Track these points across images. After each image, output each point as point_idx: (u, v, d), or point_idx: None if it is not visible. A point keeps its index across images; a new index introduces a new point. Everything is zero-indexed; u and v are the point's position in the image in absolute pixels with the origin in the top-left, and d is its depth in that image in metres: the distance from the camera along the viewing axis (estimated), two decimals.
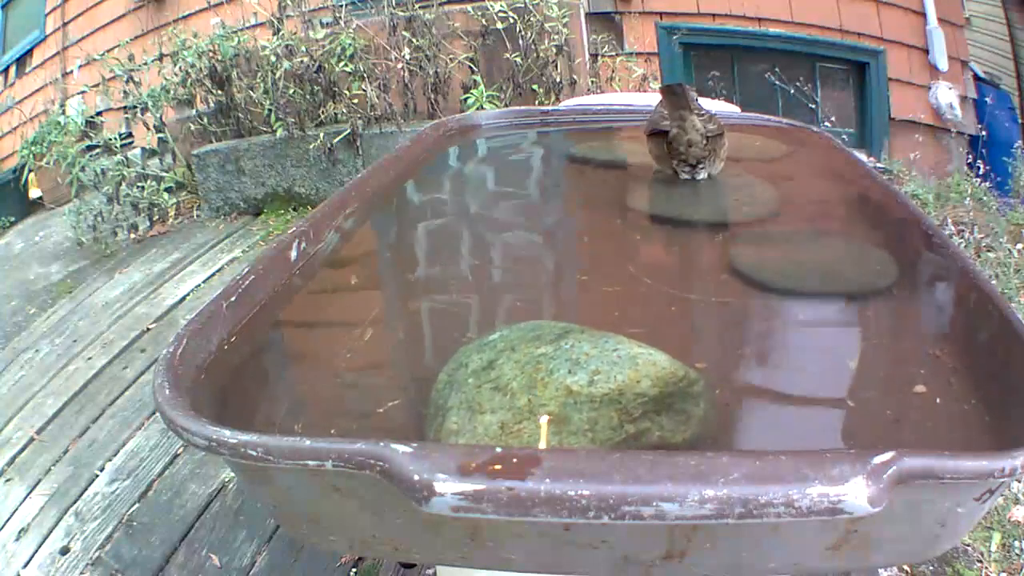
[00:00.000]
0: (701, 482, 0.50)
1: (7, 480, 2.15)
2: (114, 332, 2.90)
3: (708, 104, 1.44)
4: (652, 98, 1.79)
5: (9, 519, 1.98)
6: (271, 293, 0.93)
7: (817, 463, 0.51)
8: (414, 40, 3.67)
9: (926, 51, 4.01)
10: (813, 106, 4.17)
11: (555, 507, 0.51)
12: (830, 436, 0.75)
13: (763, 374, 0.86)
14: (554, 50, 3.61)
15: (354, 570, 1.66)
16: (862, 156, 1.58)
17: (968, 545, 1.62)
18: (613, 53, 4.10)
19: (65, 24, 5.22)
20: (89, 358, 2.73)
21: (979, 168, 3.72)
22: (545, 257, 1.22)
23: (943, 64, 3.97)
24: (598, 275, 1.12)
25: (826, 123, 4.05)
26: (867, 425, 0.74)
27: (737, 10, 4.12)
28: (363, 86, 3.64)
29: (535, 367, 0.74)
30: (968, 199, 3.45)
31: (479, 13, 3.67)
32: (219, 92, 3.91)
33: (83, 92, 4.40)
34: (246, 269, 0.91)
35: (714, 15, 4.16)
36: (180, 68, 3.94)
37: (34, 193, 5.08)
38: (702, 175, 1.33)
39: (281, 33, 3.81)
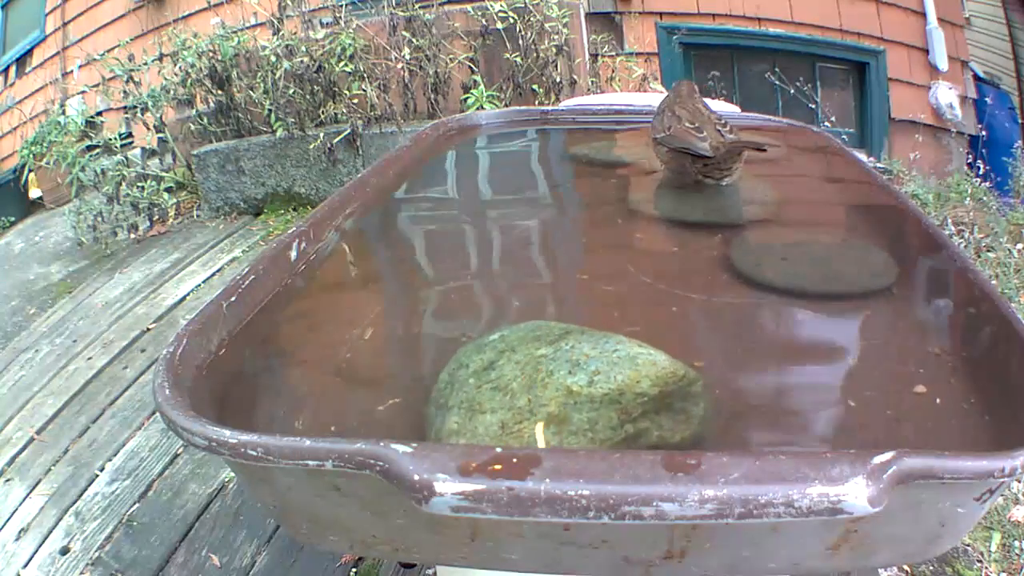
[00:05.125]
0: (701, 482, 0.50)
1: (7, 480, 2.15)
2: (114, 332, 2.90)
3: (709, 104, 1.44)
4: (652, 98, 1.79)
5: (9, 519, 1.98)
6: (271, 293, 0.93)
7: (817, 463, 0.51)
8: (414, 40, 3.67)
9: (926, 51, 4.01)
10: (813, 106, 4.17)
11: (555, 507, 0.51)
12: (830, 436, 0.75)
13: (763, 374, 0.86)
14: (554, 50, 3.61)
15: (354, 570, 1.66)
16: (862, 156, 1.58)
17: (968, 545, 1.62)
18: (613, 53, 4.10)
19: (65, 24, 5.22)
20: (89, 358, 2.73)
21: (979, 168, 3.72)
22: (545, 257, 1.22)
23: (943, 64, 3.97)
24: (598, 275, 1.12)
25: (826, 123, 4.05)
26: (867, 425, 0.74)
27: (737, 10, 4.12)
28: (363, 86, 3.64)
29: (535, 367, 0.74)
30: (968, 199, 3.45)
31: (479, 13, 3.67)
32: (219, 92, 3.91)
33: (83, 92, 4.40)
34: (246, 269, 0.91)
35: (714, 15, 4.16)
36: (180, 68, 3.94)
37: (34, 193, 5.08)
38: (726, 181, 1.33)
39: (281, 33, 3.81)
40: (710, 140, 1.28)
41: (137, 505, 1.96)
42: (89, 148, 4.00)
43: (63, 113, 4.22)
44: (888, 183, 1.30)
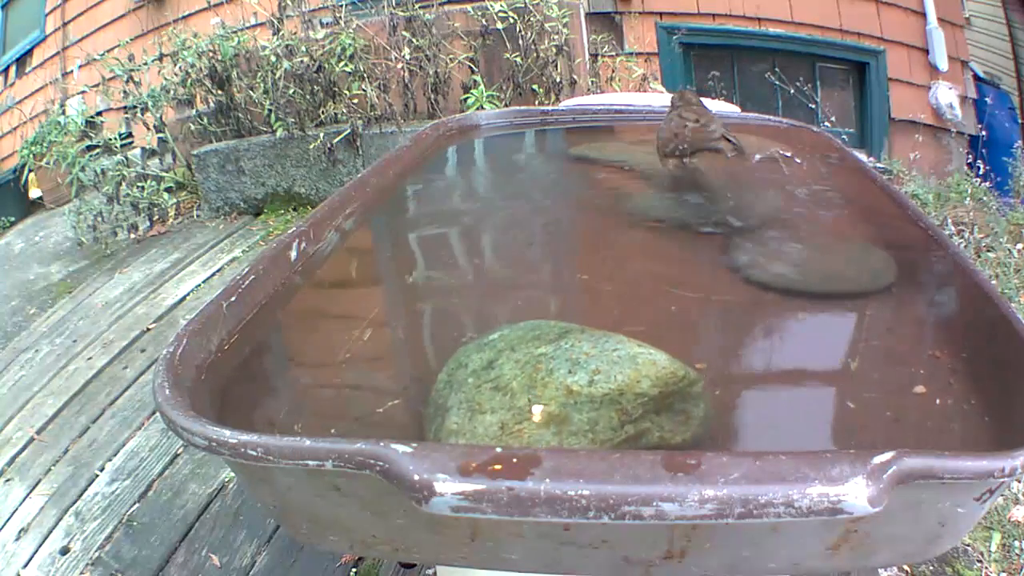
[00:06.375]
0: (701, 482, 0.50)
1: (7, 480, 2.15)
2: (114, 332, 2.90)
3: (708, 104, 1.45)
4: (652, 98, 1.79)
5: (9, 519, 1.98)
6: (271, 293, 0.93)
7: (817, 463, 0.51)
8: (414, 40, 3.67)
9: (926, 51, 4.01)
10: (813, 106, 4.17)
11: (555, 507, 0.51)
12: (830, 436, 0.75)
13: (763, 374, 0.86)
14: (554, 50, 3.61)
15: (354, 570, 1.66)
16: (862, 156, 1.58)
17: (968, 545, 1.62)
18: (613, 53, 4.10)
19: (65, 24, 5.22)
20: (89, 358, 2.73)
21: (979, 168, 3.72)
22: (545, 257, 1.22)
23: (943, 64, 3.97)
24: (598, 275, 1.12)
25: (826, 123, 4.05)
26: (867, 425, 0.74)
27: (737, 10, 4.12)
28: (363, 86, 3.63)
29: (535, 367, 0.74)
30: (968, 199, 3.45)
31: (479, 13, 3.67)
32: (219, 92, 3.91)
33: (83, 92, 4.40)
34: (246, 269, 0.91)
35: (714, 15, 4.16)
36: (180, 68, 3.94)
37: (34, 193, 5.07)
38: (692, 165, 1.34)
39: (281, 33, 3.81)
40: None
41: (137, 505, 1.96)
42: (89, 148, 4.00)
43: (63, 113, 4.21)
44: (888, 183, 1.30)
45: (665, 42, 4.16)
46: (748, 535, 0.58)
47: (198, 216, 4.08)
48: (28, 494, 2.07)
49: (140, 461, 2.12)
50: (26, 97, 5.32)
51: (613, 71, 4.03)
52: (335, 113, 3.73)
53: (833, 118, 4.09)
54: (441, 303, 1.07)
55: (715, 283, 1.06)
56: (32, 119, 4.81)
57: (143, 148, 4.31)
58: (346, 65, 3.62)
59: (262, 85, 3.76)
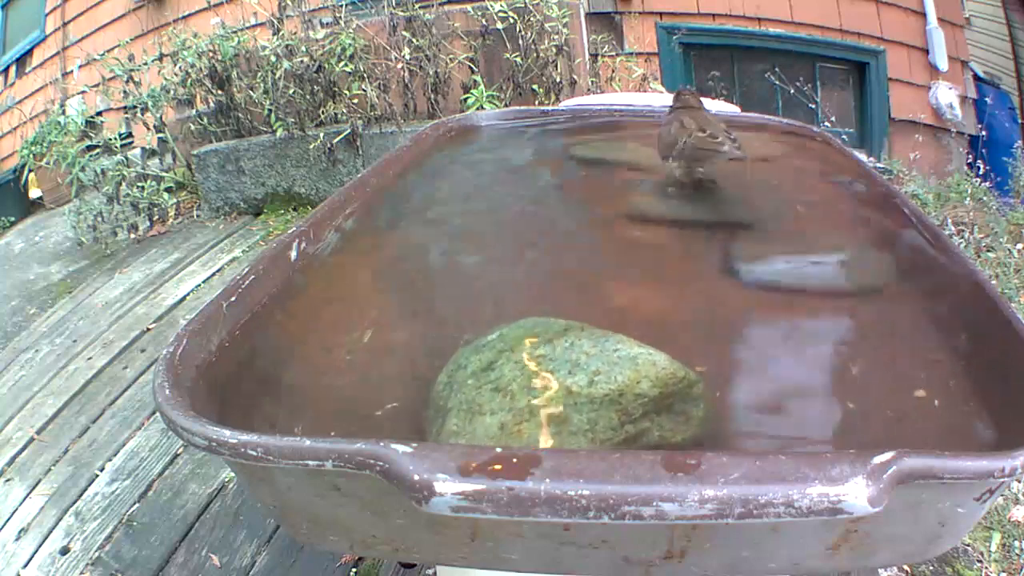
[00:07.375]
0: (701, 482, 0.50)
1: (7, 480, 2.15)
2: (114, 332, 2.90)
3: (708, 104, 1.44)
4: (652, 98, 1.79)
5: (9, 519, 1.98)
6: (271, 293, 0.93)
7: (817, 463, 0.51)
8: (414, 40, 3.67)
9: (926, 51, 4.01)
10: (813, 106, 4.17)
11: (555, 507, 0.51)
12: (830, 437, 0.75)
13: (763, 375, 0.86)
14: (554, 50, 3.61)
15: (354, 570, 1.66)
16: (862, 156, 1.58)
17: (968, 545, 1.62)
18: (613, 53, 4.10)
19: (65, 24, 5.22)
20: (89, 358, 2.73)
21: (979, 168, 3.72)
22: (544, 257, 1.21)
23: (943, 64, 3.97)
24: (598, 275, 1.12)
25: (826, 123, 4.05)
26: (867, 426, 0.74)
27: (737, 10, 4.12)
28: (363, 86, 3.64)
29: (535, 367, 0.74)
30: (968, 199, 3.45)
31: (479, 13, 3.67)
32: (219, 92, 3.91)
33: (83, 92, 4.40)
34: (246, 269, 0.91)
35: (714, 15, 4.16)
36: (180, 68, 3.94)
37: (34, 193, 5.07)
38: (698, 174, 1.31)
39: (281, 33, 3.81)
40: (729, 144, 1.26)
41: (137, 505, 1.96)
42: (89, 148, 4.00)
43: (63, 113, 4.21)
44: (888, 183, 1.30)
45: (665, 42, 4.16)
46: (748, 535, 0.58)
47: (198, 216, 4.08)
48: (28, 494, 2.07)
49: (140, 461, 2.12)
50: (26, 97, 5.32)
51: (613, 71, 4.03)
52: (335, 113, 3.73)
53: (833, 118, 4.09)
54: (441, 303, 1.07)
55: (716, 283, 1.06)
56: (32, 119, 4.81)
57: (143, 148, 4.31)
58: (346, 65, 3.62)
59: (262, 85, 3.76)
